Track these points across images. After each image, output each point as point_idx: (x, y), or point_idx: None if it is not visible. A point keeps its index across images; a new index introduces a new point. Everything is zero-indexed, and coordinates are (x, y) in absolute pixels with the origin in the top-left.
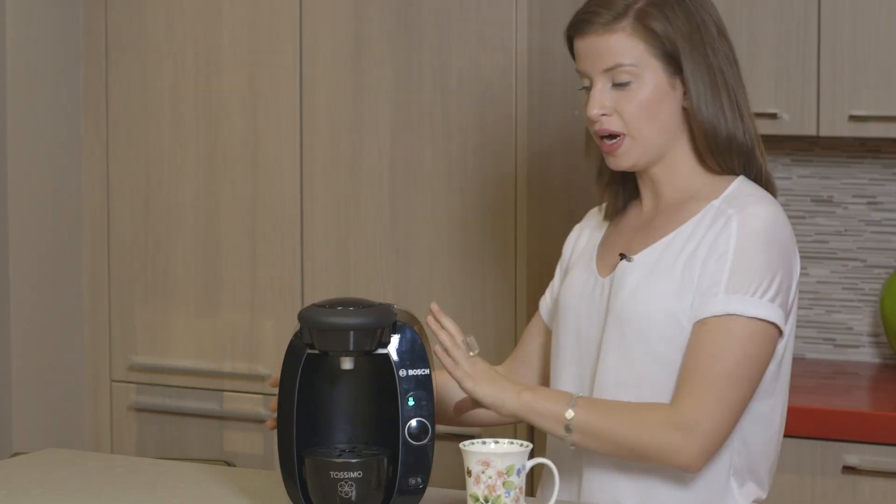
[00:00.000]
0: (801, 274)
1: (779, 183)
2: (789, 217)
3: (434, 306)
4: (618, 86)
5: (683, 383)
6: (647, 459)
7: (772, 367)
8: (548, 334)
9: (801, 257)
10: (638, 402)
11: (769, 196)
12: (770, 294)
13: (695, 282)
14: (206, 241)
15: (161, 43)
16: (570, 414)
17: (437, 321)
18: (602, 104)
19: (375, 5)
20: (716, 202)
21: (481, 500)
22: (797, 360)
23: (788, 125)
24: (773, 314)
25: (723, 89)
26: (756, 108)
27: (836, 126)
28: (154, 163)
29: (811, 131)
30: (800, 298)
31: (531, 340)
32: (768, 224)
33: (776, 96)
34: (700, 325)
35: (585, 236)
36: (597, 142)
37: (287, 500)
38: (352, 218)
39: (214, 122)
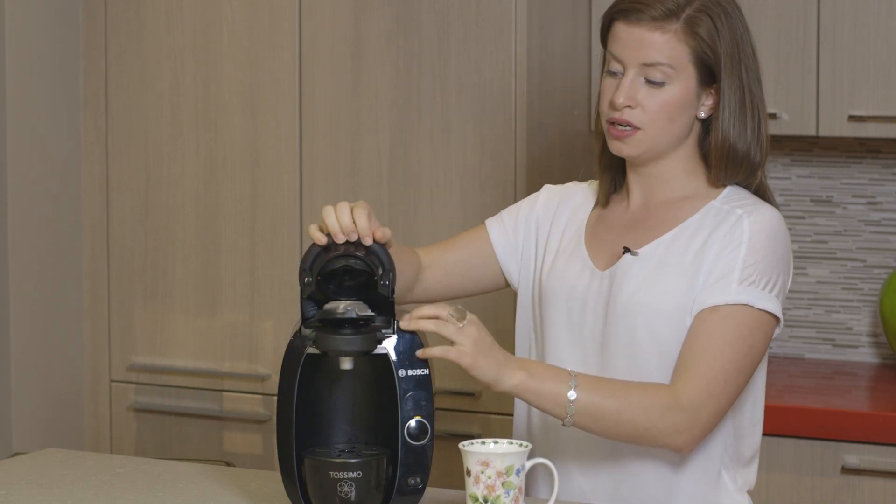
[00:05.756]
0: (801, 274)
1: (778, 183)
2: (789, 217)
3: (404, 322)
4: (650, 82)
5: (690, 365)
6: (645, 440)
7: (763, 361)
8: (484, 257)
9: (801, 257)
10: (636, 383)
11: (767, 202)
12: (776, 290)
13: (703, 274)
14: (205, 241)
15: (161, 43)
16: (572, 395)
17: (414, 321)
18: (630, 95)
19: (375, 5)
20: (715, 202)
21: (480, 500)
22: (797, 360)
23: (788, 125)
24: (777, 309)
25: (749, 109)
26: None
27: (836, 126)
28: (154, 163)
29: (811, 131)
30: (799, 298)
31: (462, 251)
32: (778, 226)
33: (776, 96)
34: (710, 312)
35: (566, 216)
36: (603, 125)
37: (287, 500)
38: None
39: (214, 122)
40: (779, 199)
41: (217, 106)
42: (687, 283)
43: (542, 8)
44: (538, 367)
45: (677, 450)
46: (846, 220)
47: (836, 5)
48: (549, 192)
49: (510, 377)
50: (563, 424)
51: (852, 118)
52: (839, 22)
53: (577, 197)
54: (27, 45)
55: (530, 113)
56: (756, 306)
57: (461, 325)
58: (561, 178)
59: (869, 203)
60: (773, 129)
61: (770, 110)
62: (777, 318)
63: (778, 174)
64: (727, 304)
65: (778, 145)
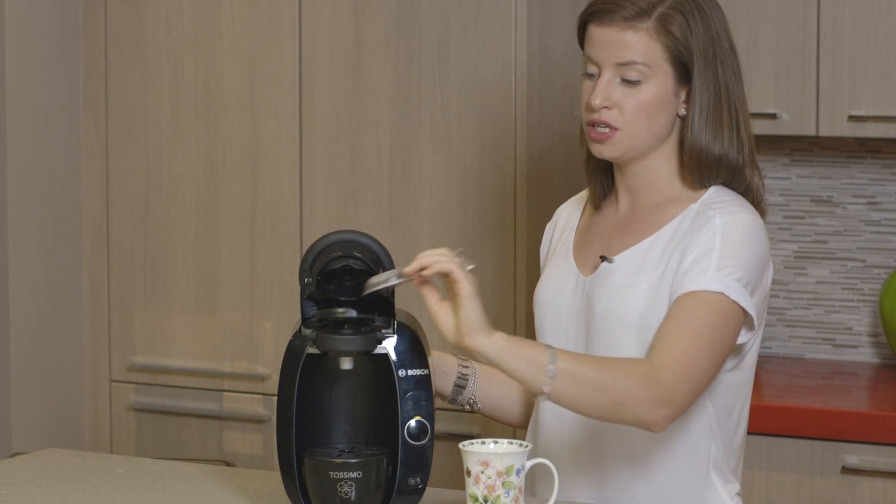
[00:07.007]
0: (801, 274)
1: (778, 183)
2: (789, 217)
3: (413, 277)
4: (626, 82)
5: (669, 342)
6: (623, 411)
7: (748, 362)
8: None
9: (801, 257)
10: (614, 357)
11: (748, 204)
12: (749, 288)
13: (675, 273)
14: (205, 241)
15: (161, 43)
16: (552, 355)
17: (421, 275)
18: (607, 96)
19: (375, 5)
20: (695, 206)
21: (480, 500)
22: (797, 360)
23: (788, 125)
24: (752, 308)
25: (725, 106)
26: (756, 108)
27: (836, 126)
28: (154, 163)
29: (810, 131)
30: (799, 298)
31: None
32: (752, 227)
33: (776, 96)
34: (688, 297)
35: (559, 232)
36: (584, 128)
37: (287, 500)
38: (351, 218)
39: (214, 122)
40: (779, 199)
41: (217, 106)
42: (659, 288)
43: (542, 8)
44: (511, 336)
45: (652, 425)
46: (846, 220)
47: (836, 5)
48: (546, 232)
49: (492, 333)
50: (537, 396)
51: (852, 118)
52: (839, 22)
53: (565, 213)
54: (27, 45)
55: (530, 113)
56: (730, 297)
57: (468, 268)
58: (561, 179)
59: (869, 203)
60: (773, 129)
61: (770, 110)
62: (747, 316)
63: (778, 174)
64: (704, 290)
65: (778, 145)
